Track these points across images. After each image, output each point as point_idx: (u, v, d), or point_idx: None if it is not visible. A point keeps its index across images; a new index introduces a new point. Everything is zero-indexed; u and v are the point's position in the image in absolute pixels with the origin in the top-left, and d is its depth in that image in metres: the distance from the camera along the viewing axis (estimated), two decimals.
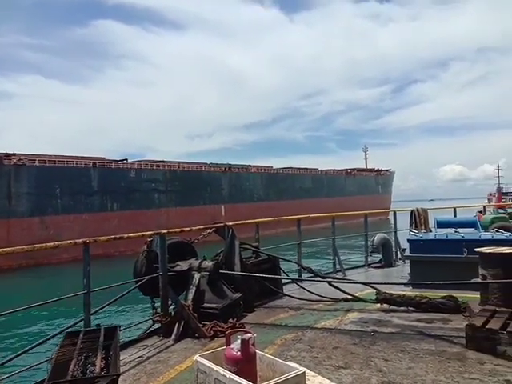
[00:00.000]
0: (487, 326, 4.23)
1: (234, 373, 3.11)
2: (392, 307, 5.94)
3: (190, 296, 5.57)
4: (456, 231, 8.08)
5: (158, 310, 5.48)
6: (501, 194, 58.95)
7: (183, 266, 5.98)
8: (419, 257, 7.45)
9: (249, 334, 3.32)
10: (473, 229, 9.42)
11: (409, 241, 7.98)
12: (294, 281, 7.84)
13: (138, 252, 6.16)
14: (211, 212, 41.84)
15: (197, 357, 3.51)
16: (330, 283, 6.85)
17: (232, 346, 3.36)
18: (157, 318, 5.40)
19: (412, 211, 10.96)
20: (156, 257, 5.64)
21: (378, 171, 78.29)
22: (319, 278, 7.24)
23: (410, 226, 10.69)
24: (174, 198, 42.55)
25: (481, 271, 5.69)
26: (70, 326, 4.22)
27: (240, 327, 5.06)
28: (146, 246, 5.89)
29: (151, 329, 5.46)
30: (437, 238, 7.85)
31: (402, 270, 9.08)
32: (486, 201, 54.03)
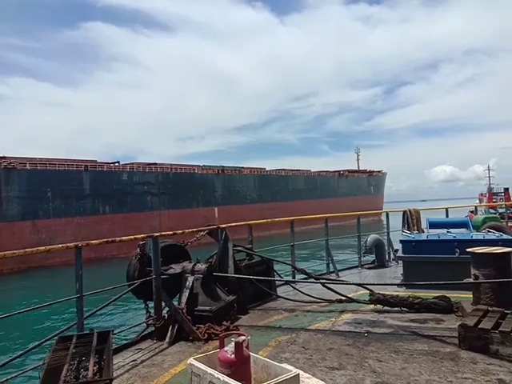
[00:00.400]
0: (479, 326, 4.25)
1: (228, 375, 3.10)
2: (385, 308, 5.96)
3: (184, 299, 5.54)
4: (448, 231, 8.14)
5: (152, 313, 5.44)
6: (491, 194, 59.44)
7: (176, 268, 5.95)
8: (412, 257, 7.49)
9: (243, 337, 3.31)
10: (465, 229, 9.51)
11: (401, 241, 8.02)
12: (287, 282, 7.84)
13: (130, 255, 6.13)
14: (205, 214, 41.81)
15: (191, 360, 3.50)
16: (323, 284, 6.85)
17: (226, 348, 3.36)
18: (150, 322, 5.36)
19: (404, 212, 11.03)
20: (149, 260, 5.61)
21: (370, 172, 78.77)
22: (313, 280, 7.24)
23: (403, 226, 10.75)
24: (167, 200, 42.45)
25: (473, 271, 5.74)
26: (63, 331, 4.17)
27: (234, 329, 5.06)
28: (138, 249, 5.85)
29: (145, 332, 5.42)
30: (429, 238, 7.90)
31: (395, 271, 9.12)
32: (477, 201, 54.44)
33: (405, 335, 4.85)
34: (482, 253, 5.74)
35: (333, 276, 9.01)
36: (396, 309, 5.89)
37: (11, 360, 4.05)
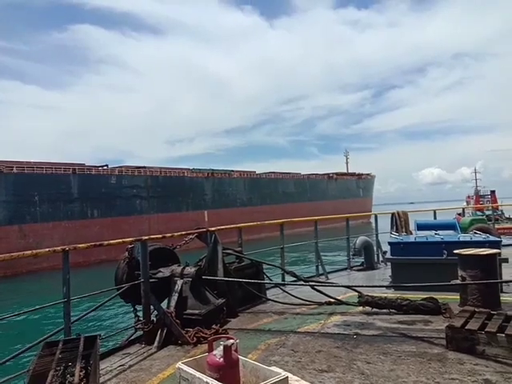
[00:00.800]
0: (466, 327, 4.29)
1: (217, 379, 3.09)
2: (374, 310, 5.98)
3: (173, 302, 5.51)
4: (436, 233, 8.21)
5: (141, 317, 5.40)
6: (478, 196, 60.22)
7: (165, 272, 5.92)
8: (400, 259, 7.55)
9: (231, 340, 3.30)
10: (452, 231, 9.61)
11: (390, 243, 8.07)
12: (277, 285, 7.84)
13: (119, 259, 6.08)
14: (194, 218, 41.63)
15: (179, 364, 3.48)
16: (312, 287, 6.87)
17: (214, 352, 3.34)
18: (139, 326, 5.32)
19: (393, 214, 11.11)
20: (137, 263, 5.57)
21: (359, 175, 79.33)
22: (302, 282, 7.26)
23: (391, 228, 10.82)
24: (156, 204, 42.23)
25: (460, 272, 5.80)
26: (50, 336, 4.11)
27: (223, 333, 5.03)
28: (127, 253, 5.81)
29: (133, 336, 5.37)
30: (417, 240, 7.97)
31: (384, 273, 9.17)
32: (465, 203, 55.13)
33: (393, 337, 4.88)
34: (468, 254, 5.81)
35: (322, 278, 9.03)
36: (384, 310, 5.91)
37: None
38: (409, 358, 4.16)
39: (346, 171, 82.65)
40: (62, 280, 4.49)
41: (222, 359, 3.23)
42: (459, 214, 18.19)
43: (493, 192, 57.64)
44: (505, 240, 10.66)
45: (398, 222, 10.70)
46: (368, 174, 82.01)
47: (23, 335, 11.40)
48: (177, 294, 5.58)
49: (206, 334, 5.07)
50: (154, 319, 5.38)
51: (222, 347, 3.26)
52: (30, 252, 4.43)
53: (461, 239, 7.62)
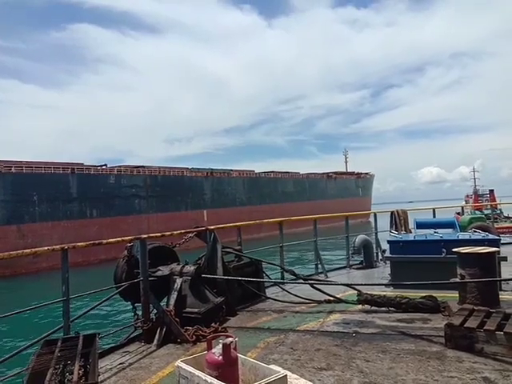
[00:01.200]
0: (465, 325, 4.30)
1: (216, 377, 3.09)
2: (373, 308, 5.99)
3: (172, 301, 5.51)
4: (435, 232, 8.22)
5: (140, 315, 5.41)
6: (477, 195, 60.28)
7: (164, 270, 5.92)
8: (399, 257, 7.55)
9: (230, 339, 3.31)
10: (451, 229, 9.62)
11: (389, 242, 8.08)
12: (276, 283, 7.84)
13: (118, 258, 6.08)
14: (193, 217, 41.61)
15: (178, 362, 3.48)
16: (312, 285, 6.87)
17: (213, 350, 3.34)
18: (138, 324, 5.32)
19: (392, 212, 11.12)
20: (137, 262, 5.57)
21: (358, 174, 79.35)
22: (301, 280, 7.26)
23: (390, 227, 10.83)
24: (155, 203, 42.19)
25: (459, 271, 5.81)
26: (49, 334, 4.11)
27: (222, 331, 5.04)
28: (126, 252, 5.81)
29: (133, 335, 5.38)
30: (416, 238, 7.98)
31: (383, 271, 9.18)
32: (464, 202, 55.19)
33: (392, 335, 4.89)
34: (467, 253, 5.82)
35: (321, 277, 9.04)
36: (383, 309, 5.92)
37: None
38: (408, 356, 4.17)
39: (345, 170, 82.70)
40: (61, 278, 4.49)
41: (221, 357, 3.23)
42: (458, 214, 18.19)
43: (491, 191, 57.70)
44: (504, 239, 10.69)
45: (398, 220, 10.71)
46: (367, 173, 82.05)
47: (22, 333, 11.37)
48: (176, 293, 5.59)
49: (205, 332, 5.07)
50: (154, 317, 5.38)
51: (221, 345, 3.27)
52: (29, 250, 4.43)
53: (460, 237, 7.63)
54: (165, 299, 5.78)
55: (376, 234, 11.43)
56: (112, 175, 39.88)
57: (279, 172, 61.95)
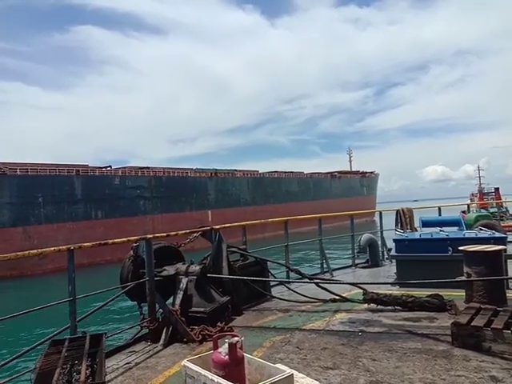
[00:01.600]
0: (472, 324, 4.28)
1: (222, 377, 3.09)
2: (379, 307, 5.97)
3: (178, 301, 5.52)
4: (441, 230, 8.17)
5: (146, 315, 5.42)
6: (482, 194, 59.99)
7: (170, 270, 5.94)
8: (405, 256, 7.52)
9: (236, 338, 3.30)
10: (457, 227, 9.57)
11: (394, 240, 8.04)
12: (281, 283, 7.83)
13: (124, 259, 6.09)
14: (198, 218, 41.66)
15: (184, 362, 3.48)
16: (317, 284, 6.85)
17: (220, 349, 3.34)
18: (144, 324, 5.34)
19: (397, 211, 11.07)
20: (142, 262, 5.59)
21: (363, 173, 79.14)
22: (307, 280, 7.24)
23: (396, 225, 10.79)
24: (160, 204, 42.28)
25: (465, 269, 5.78)
26: (56, 334, 4.13)
27: (228, 331, 5.04)
28: (132, 252, 5.83)
29: (139, 335, 5.40)
30: (422, 237, 7.94)
31: (389, 270, 9.15)
32: (469, 201, 54.96)
33: (398, 334, 4.87)
34: (474, 251, 5.78)
35: (327, 276, 9.01)
36: (389, 308, 5.90)
37: (3, 365, 4.01)
38: (414, 355, 4.15)
39: (349, 170, 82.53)
40: (68, 279, 4.51)
41: (227, 357, 3.23)
42: (463, 212, 18.06)
43: (497, 189, 57.40)
44: (510, 237, 10.61)
45: (403, 219, 10.65)
46: (372, 172, 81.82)
47: (30, 334, 11.47)
48: (182, 292, 5.60)
49: (211, 331, 5.08)
50: (160, 317, 5.40)
51: (227, 345, 3.27)
52: (35, 251, 4.46)
53: (466, 236, 7.59)
54: (170, 299, 5.79)
55: (381, 232, 11.39)
56: (117, 176, 40.02)
57: (283, 172, 61.93)
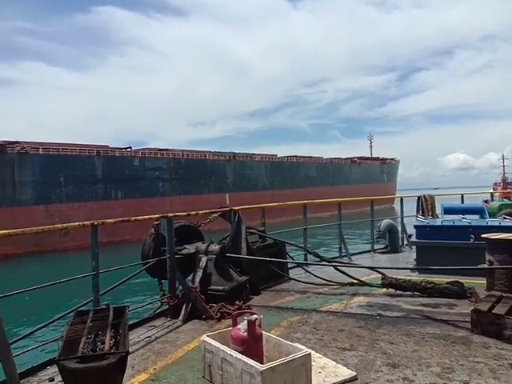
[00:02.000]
0: (493, 311, 4.23)
1: (241, 353, 3.15)
2: (398, 292, 5.96)
3: (197, 278, 5.62)
4: (463, 217, 8.05)
5: (166, 291, 5.53)
6: (505, 183, 58.54)
7: (190, 248, 6.02)
8: (426, 243, 7.44)
9: (255, 315, 3.35)
10: (480, 215, 9.40)
11: (415, 226, 7.97)
12: (299, 265, 7.86)
13: (143, 240, 6.19)
14: (215, 201, 41.81)
15: (204, 337, 3.55)
16: (335, 267, 6.86)
17: (239, 326, 3.40)
18: (164, 300, 5.45)
19: (419, 197, 10.94)
20: (163, 240, 5.68)
21: (384, 160, 77.94)
22: (325, 263, 7.25)
23: (417, 212, 10.66)
24: (178, 186, 42.57)
25: (487, 257, 5.68)
26: (80, 306, 4.26)
27: (246, 309, 5.11)
28: (153, 229, 5.91)
29: (159, 310, 5.51)
30: (444, 224, 7.83)
31: (408, 256, 9.08)
32: (492, 190, 53.72)
33: (416, 319, 4.86)
34: (497, 239, 5.67)
35: (345, 260, 9.00)
36: (408, 293, 5.88)
37: (32, 332, 4.17)
38: (432, 340, 4.14)
39: (369, 155, 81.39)
40: (91, 254, 4.61)
41: (246, 333, 3.28)
42: (486, 201, 17.69)
43: None
44: None
45: (425, 205, 10.51)
46: (392, 159, 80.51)
47: (54, 306, 11.81)
48: (201, 271, 5.68)
49: (229, 309, 5.16)
50: (179, 294, 5.50)
51: (246, 322, 3.31)
52: (60, 225, 4.56)
53: (489, 224, 7.45)
54: (190, 277, 5.88)
55: (402, 218, 11.27)
56: (136, 158, 40.35)
57: (302, 156, 61.48)
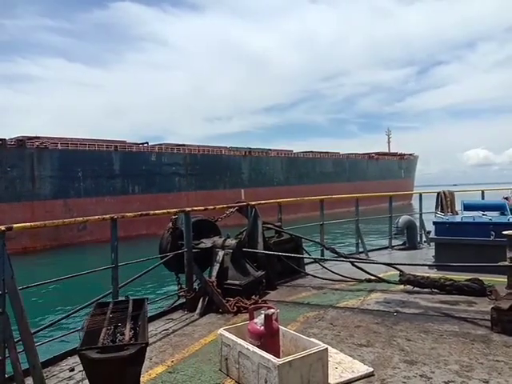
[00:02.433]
0: None
1: (258, 347, 3.16)
2: (415, 289, 5.89)
3: (214, 272, 5.65)
4: (483, 214, 7.91)
5: (183, 285, 5.58)
6: None
7: (207, 243, 6.06)
8: (445, 239, 7.34)
9: (272, 310, 3.36)
10: (500, 212, 9.22)
11: (435, 223, 7.86)
12: (316, 260, 7.83)
13: (160, 233, 6.25)
14: (231, 196, 41.87)
15: (221, 330, 3.58)
16: (352, 263, 6.81)
17: (255, 320, 3.41)
18: (182, 293, 5.51)
19: (438, 193, 10.76)
20: (181, 234, 5.72)
21: (402, 155, 76.86)
22: (342, 259, 7.21)
23: (436, 208, 10.50)
24: (194, 181, 42.82)
25: (509, 254, 5.56)
26: (100, 298, 4.34)
27: (263, 304, 5.12)
28: (171, 224, 5.96)
29: (176, 303, 5.58)
30: (463, 220, 7.71)
31: (427, 253, 8.97)
32: None
33: (435, 316, 4.80)
34: None
35: (362, 256, 8.94)
36: (426, 290, 5.81)
37: (54, 323, 4.28)
38: (451, 338, 4.09)
39: (387, 151, 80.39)
40: (111, 247, 4.68)
41: (262, 327, 3.30)
42: (506, 198, 17.29)
43: None
44: None
45: (444, 201, 10.32)
46: (411, 155, 79.38)
47: (74, 298, 12.06)
48: (218, 265, 5.71)
49: (245, 304, 5.19)
50: (196, 288, 5.55)
51: (263, 316, 3.32)
52: (81, 219, 4.64)
53: (510, 220, 7.31)
54: (207, 271, 5.92)
55: (421, 214, 11.12)
56: (153, 153, 40.70)
57: (318, 152, 61.06)
